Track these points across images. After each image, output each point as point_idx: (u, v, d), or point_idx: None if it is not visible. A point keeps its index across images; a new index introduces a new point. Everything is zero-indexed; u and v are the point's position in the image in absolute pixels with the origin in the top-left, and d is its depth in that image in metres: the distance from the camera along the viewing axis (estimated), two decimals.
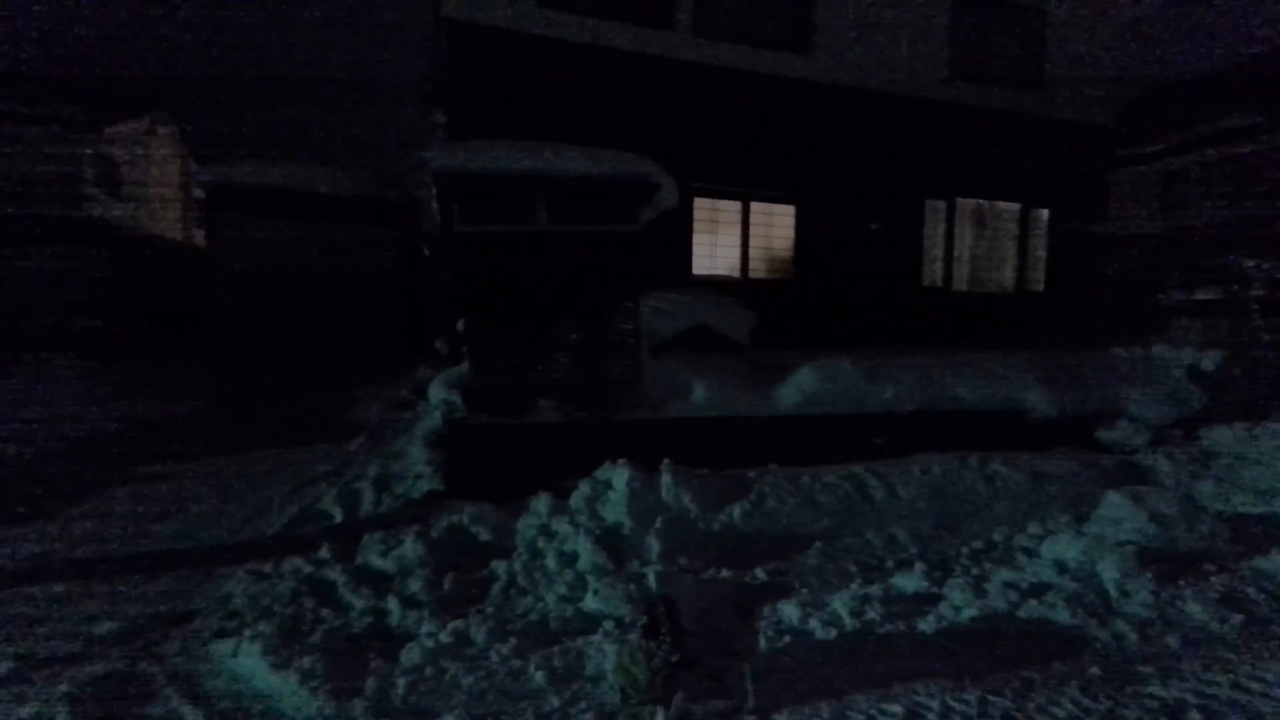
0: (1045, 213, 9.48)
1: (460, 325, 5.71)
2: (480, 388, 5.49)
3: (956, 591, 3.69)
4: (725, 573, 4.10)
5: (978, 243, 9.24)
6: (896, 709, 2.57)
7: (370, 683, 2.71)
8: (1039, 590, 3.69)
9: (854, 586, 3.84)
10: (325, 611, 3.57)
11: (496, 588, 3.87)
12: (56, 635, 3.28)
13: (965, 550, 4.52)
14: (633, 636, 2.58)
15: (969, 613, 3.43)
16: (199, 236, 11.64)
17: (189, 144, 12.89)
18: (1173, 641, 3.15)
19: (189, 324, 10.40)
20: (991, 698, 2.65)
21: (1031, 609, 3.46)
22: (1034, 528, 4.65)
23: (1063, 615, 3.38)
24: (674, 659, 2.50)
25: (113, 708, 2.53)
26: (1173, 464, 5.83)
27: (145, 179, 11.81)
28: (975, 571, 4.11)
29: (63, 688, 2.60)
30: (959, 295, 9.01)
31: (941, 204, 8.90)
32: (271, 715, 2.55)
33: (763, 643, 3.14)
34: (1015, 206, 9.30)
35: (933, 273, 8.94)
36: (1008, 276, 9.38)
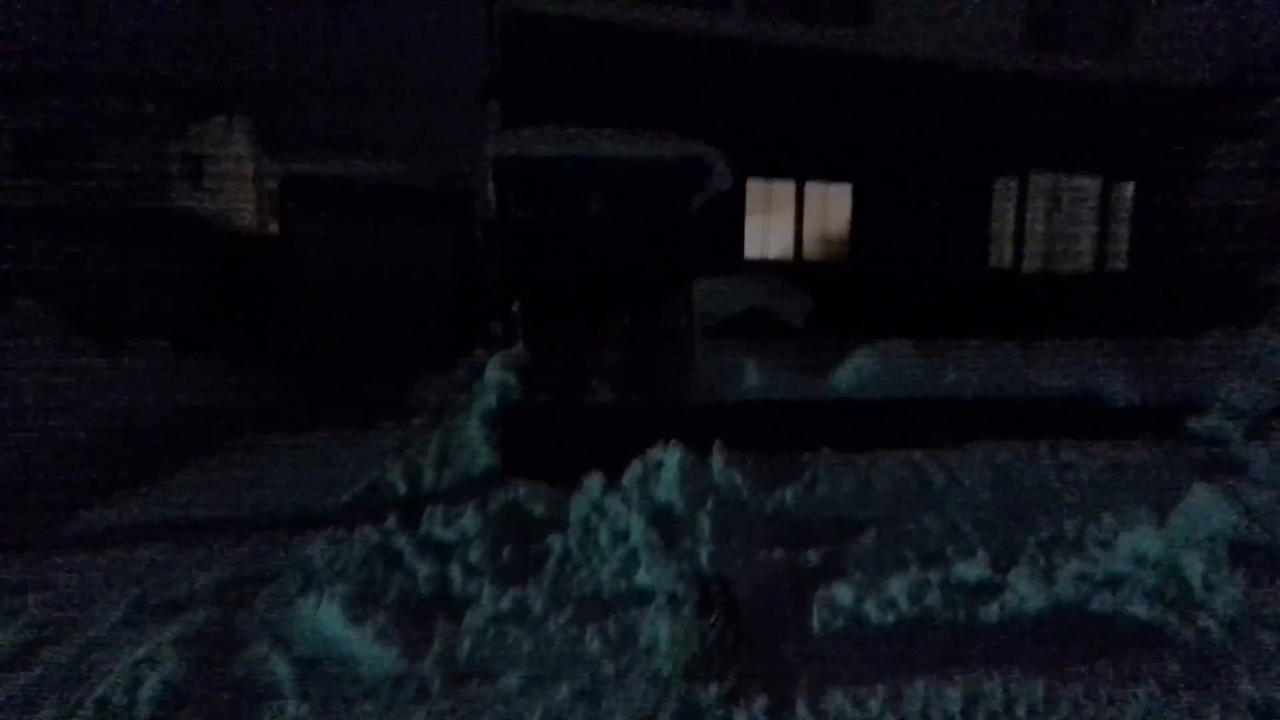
0: (1130, 186, 8.81)
1: (515, 308, 5.87)
2: (535, 370, 5.63)
3: (1023, 581, 3.55)
4: (778, 553, 4.09)
5: (1052, 220, 8.70)
6: (955, 694, 2.52)
7: (438, 642, 2.86)
8: (1114, 583, 3.51)
9: (912, 572, 3.76)
10: (394, 576, 3.79)
11: (552, 561, 4.00)
12: (163, 587, 3.62)
13: (1032, 540, 4.32)
14: (686, 613, 2.62)
15: (1036, 603, 3.30)
16: (272, 226, 12.37)
17: (262, 140, 13.70)
18: (1268, 641, 2.94)
19: (264, 311, 11.09)
20: (1060, 688, 2.55)
21: (1105, 601, 3.30)
22: (1109, 519, 4.40)
23: (1140, 609, 3.21)
24: (728, 636, 2.52)
25: (213, 653, 2.78)
26: (1272, 456, 5.38)
27: (224, 173, 12.64)
28: (1043, 562, 3.93)
29: (170, 634, 2.87)
30: (1030, 277, 8.53)
31: (1013, 180, 8.42)
32: (350, 667, 2.74)
33: (816, 624, 3.13)
34: (1096, 180, 8.70)
35: (1001, 253, 8.49)
36: (1086, 256, 8.80)
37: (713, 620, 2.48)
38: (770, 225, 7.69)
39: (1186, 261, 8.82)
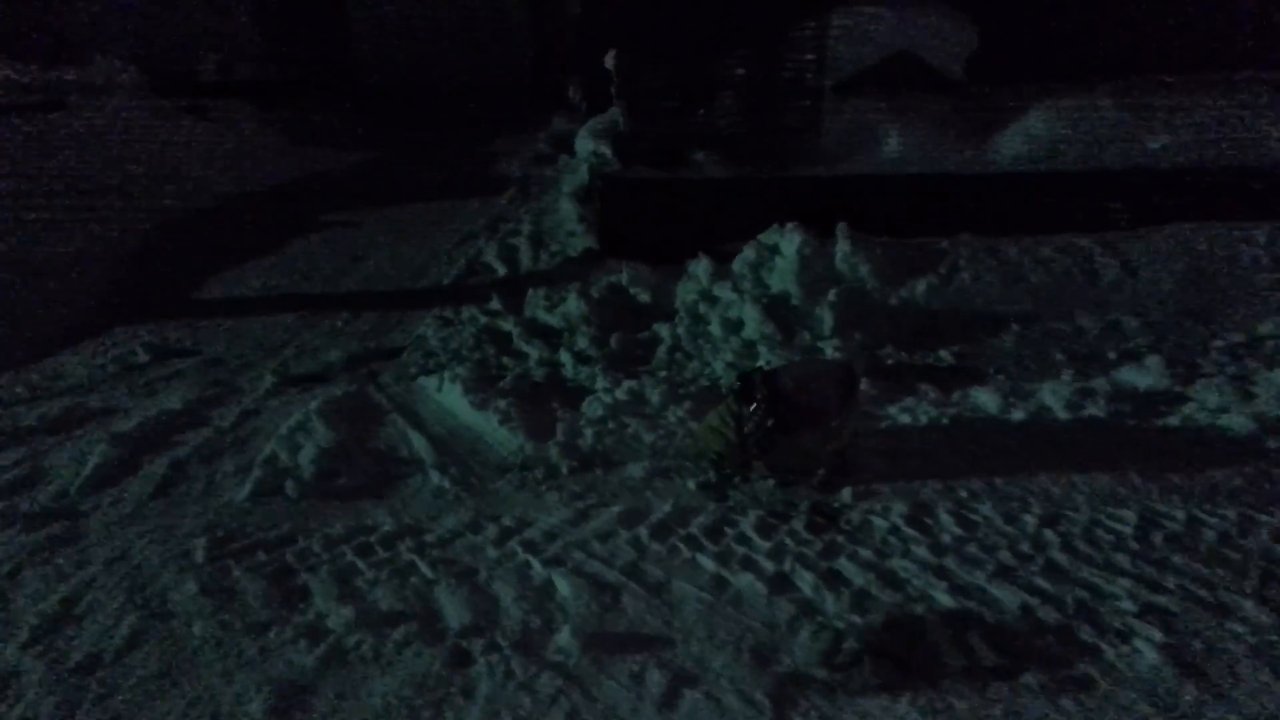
0: None
1: (609, 60, 4.92)
2: (634, 136, 4.91)
3: (1212, 393, 3.06)
4: (903, 354, 3.75)
5: None
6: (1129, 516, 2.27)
7: (560, 429, 2.88)
8: None
9: (1065, 377, 3.34)
10: (505, 359, 3.82)
11: (661, 350, 3.87)
12: (298, 359, 3.85)
13: (1219, 344, 3.70)
14: (727, 401, 2.55)
15: (1233, 419, 2.84)
16: None
17: None
18: None
19: (335, 68, 10.36)
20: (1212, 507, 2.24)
21: None
22: None
23: None
24: (769, 424, 2.42)
25: (355, 424, 2.95)
26: None
27: None
28: (1232, 370, 3.38)
29: (314, 404, 3.05)
30: None
31: None
32: (480, 447, 2.84)
33: (915, 420, 2.89)
34: None
35: None
36: None
37: (752, 410, 2.42)
38: None
39: None
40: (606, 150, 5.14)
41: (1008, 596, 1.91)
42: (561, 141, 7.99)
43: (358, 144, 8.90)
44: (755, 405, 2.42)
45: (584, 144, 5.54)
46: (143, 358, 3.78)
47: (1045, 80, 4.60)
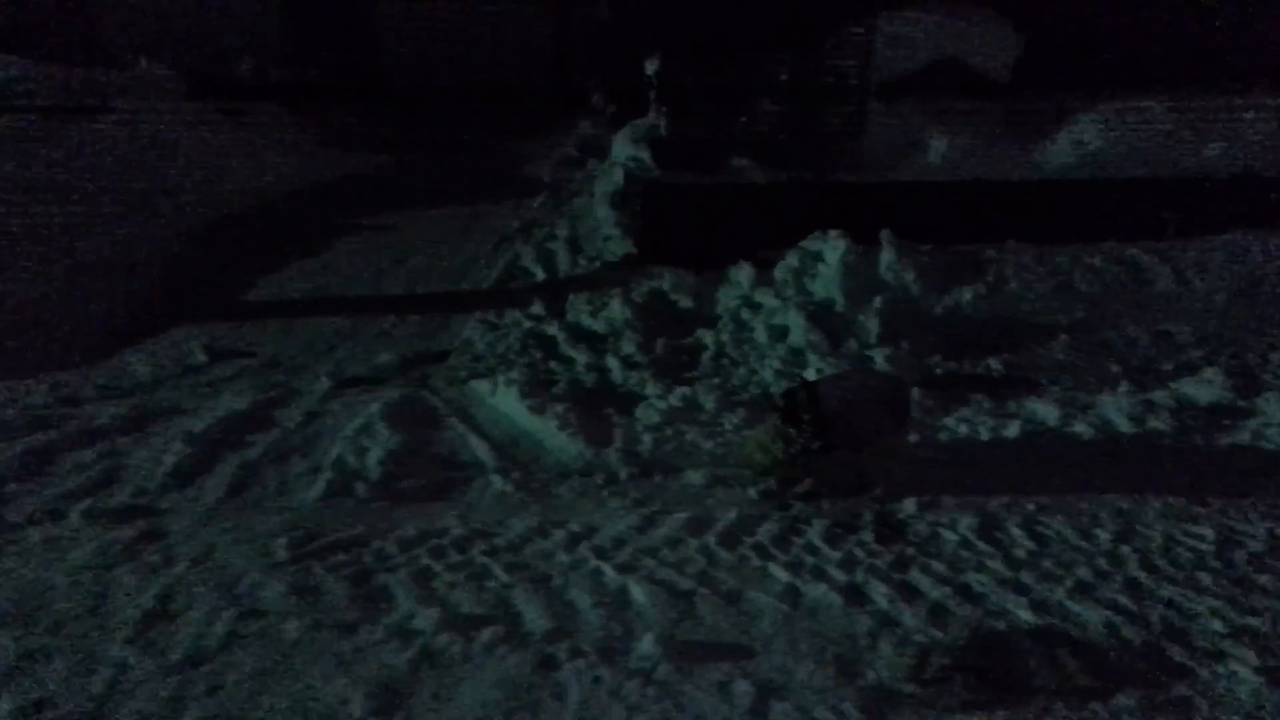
0: None
1: (651, 65, 4.95)
2: (676, 142, 4.93)
3: (1278, 406, 3.00)
4: (952, 363, 3.73)
5: None
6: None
7: (619, 435, 2.91)
8: None
9: (1122, 388, 3.30)
10: (553, 363, 3.86)
11: (706, 357, 3.88)
12: (351, 361, 3.91)
13: (1277, 356, 3.64)
14: (772, 419, 2.56)
15: None
16: None
17: None
18: None
19: (363, 70, 10.47)
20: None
21: None
22: None
23: None
24: (815, 445, 2.42)
25: (417, 428, 2.99)
26: None
27: None
28: None
29: (375, 407, 3.10)
30: None
31: None
32: (541, 452, 2.87)
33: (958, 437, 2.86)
34: None
35: None
36: None
37: (799, 428, 2.42)
38: None
39: None
40: (645, 155, 5.17)
41: (1091, 614, 1.90)
42: (589, 145, 8.02)
43: (385, 146, 9.00)
44: (802, 427, 2.40)
45: (622, 148, 5.58)
46: (201, 358, 3.87)
47: (1095, 86, 4.55)
